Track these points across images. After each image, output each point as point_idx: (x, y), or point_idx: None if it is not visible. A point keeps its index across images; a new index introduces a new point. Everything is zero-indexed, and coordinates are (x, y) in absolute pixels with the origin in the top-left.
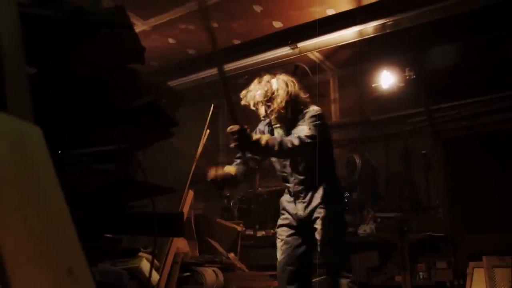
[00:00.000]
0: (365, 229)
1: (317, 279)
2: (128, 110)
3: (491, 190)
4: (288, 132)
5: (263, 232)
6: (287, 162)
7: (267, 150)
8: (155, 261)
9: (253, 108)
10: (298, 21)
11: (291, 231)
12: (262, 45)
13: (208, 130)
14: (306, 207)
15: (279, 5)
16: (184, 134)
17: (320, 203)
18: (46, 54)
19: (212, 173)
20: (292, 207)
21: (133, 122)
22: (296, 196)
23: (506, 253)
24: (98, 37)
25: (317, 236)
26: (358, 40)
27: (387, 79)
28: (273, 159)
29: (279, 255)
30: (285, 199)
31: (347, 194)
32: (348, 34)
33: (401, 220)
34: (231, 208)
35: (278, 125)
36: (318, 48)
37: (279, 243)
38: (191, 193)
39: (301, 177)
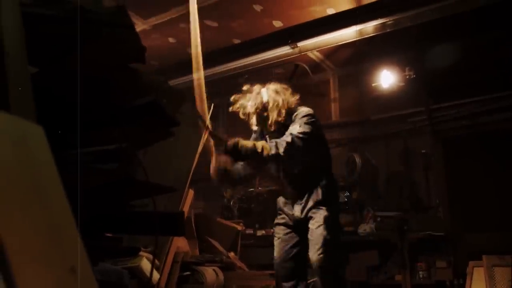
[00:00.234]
0: (365, 228)
1: (312, 279)
2: (129, 109)
3: (491, 189)
4: (281, 135)
5: (263, 231)
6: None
7: (264, 156)
8: (155, 260)
9: (242, 117)
10: (298, 21)
11: (288, 230)
12: (262, 44)
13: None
14: (302, 208)
15: (279, 4)
16: (184, 133)
17: (315, 204)
18: (47, 53)
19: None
20: (289, 208)
21: (134, 121)
22: (292, 198)
23: (506, 252)
24: (100, 37)
25: (309, 236)
26: (358, 40)
27: (387, 78)
28: None
29: (276, 253)
30: (282, 200)
31: (347, 194)
32: (348, 34)
33: (401, 219)
34: (231, 207)
35: (270, 131)
36: (318, 48)
37: (276, 241)
38: (191, 192)
39: (297, 178)
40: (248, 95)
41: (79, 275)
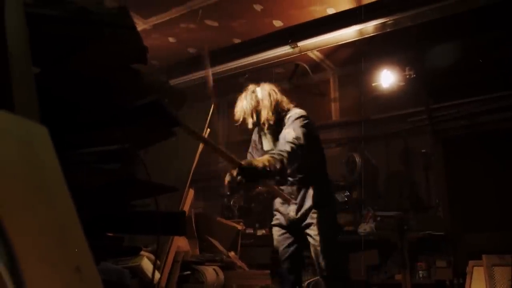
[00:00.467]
0: (365, 227)
1: (311, 280)
2: (131, 109)
3: (491, 189)
4: (275, 137)
5: (263, 231)
6: None
7: (273, 172)
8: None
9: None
10: (299, 20)
11: (282, 231)
12: (262, 44)
13: (208, 129)
14: (298, 209)
15: (279, 4)
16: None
17: (312, 207)
18: (50, 54)
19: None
20: (284, 208)
21: (136, 121)
22: (288, 198)
23: (505, 252)
24: (102, 38)
25: (311, 241)
26: (358, 39)
27: (387, 78)
28: None
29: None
30: (279, 200)
31: (347, 193)
32: (348, 33)
33: (401, 219)
34: (231, 207)
35: (264, 131)
36: (318, 47)
37: (274, 242)
38: (191, 192)
39: (292, 179)
40: (244, 96)
41: (84, 274)
